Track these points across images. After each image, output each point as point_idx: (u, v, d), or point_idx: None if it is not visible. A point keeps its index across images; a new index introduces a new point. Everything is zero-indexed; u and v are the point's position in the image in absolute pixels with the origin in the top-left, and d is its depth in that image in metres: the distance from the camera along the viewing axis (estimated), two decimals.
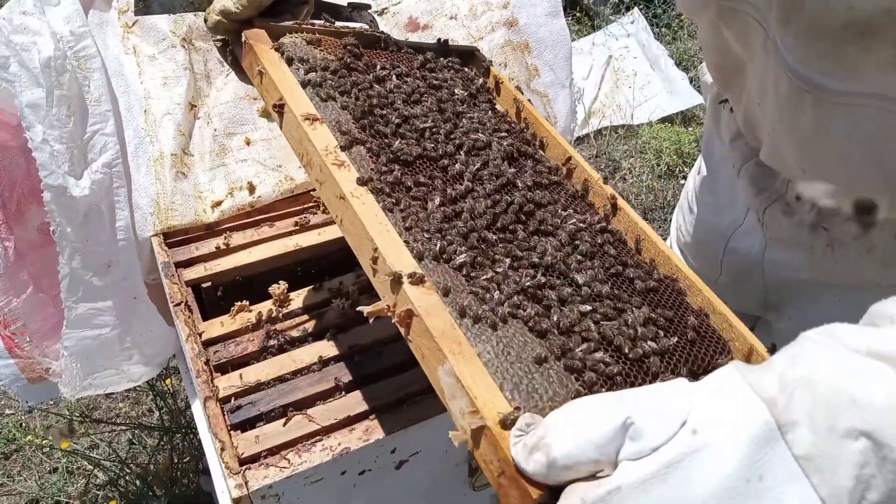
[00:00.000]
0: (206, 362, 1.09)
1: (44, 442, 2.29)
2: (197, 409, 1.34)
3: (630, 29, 4.34)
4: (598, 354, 0.74)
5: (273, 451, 0.97)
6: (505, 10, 1.62)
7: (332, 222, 1.38)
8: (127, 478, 2.14)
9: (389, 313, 0.75)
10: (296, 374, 1.08)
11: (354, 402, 1.04)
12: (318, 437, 0.99)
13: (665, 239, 1.21)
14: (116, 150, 1.25)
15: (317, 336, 1.15)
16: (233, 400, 1.04)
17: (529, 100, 1.18)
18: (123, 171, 1.27)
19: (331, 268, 1.28)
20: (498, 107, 1.15)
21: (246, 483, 0.93)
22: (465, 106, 1.06)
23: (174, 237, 1.32)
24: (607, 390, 0.70)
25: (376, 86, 1.01)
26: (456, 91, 1.09)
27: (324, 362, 1.10)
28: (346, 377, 1.07)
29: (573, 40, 4.11)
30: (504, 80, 1.18)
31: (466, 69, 1.18)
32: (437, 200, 0.87)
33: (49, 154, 1.14)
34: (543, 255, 0.85)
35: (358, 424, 1.01)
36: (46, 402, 2.45)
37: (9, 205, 1.34)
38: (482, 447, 0.62)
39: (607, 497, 0.50)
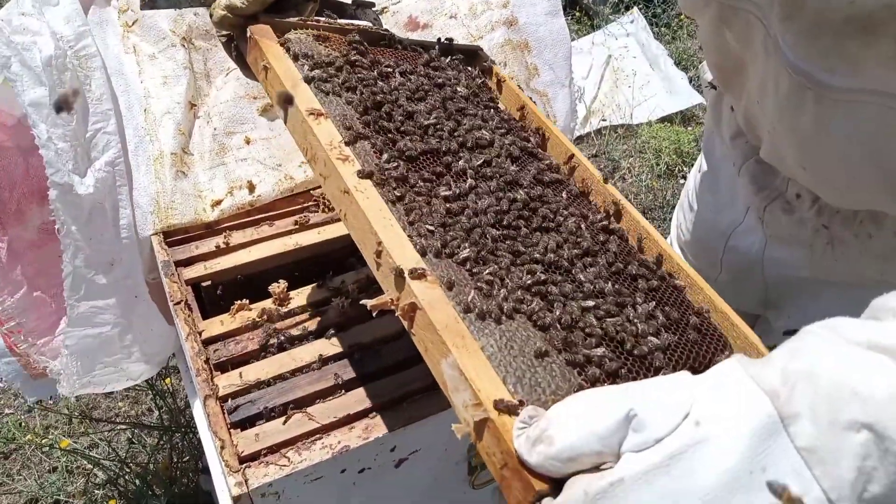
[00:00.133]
0: (206, 361, 1.09)
1: (43, 441, 2.29)
2: (197, 407, 1.34)
3: (629, 28, 4.34)
4: (601, 350, 0.74)
5: (273, 449, 0.97)
6: (505, 9, 1.62)
7: (331, 221, 1.38)
8: (126, 477, 2.14)
9: (393, 307, 0.75)
10: (295, 372, 1.08)
11: (354, 400, 1.04)
12: (317, 436, 0.99)
13: (665, 238, 1.22)
14: (118, 148, 1.25)
15: (317, 334, 1.15)
16: (232, 399, 1.04)
17: (531, 98, 1.19)
18: (125, 170, 1.28)
19: (331, 266, 1.28)
20: (501, 105, 1.15)
21: (246, 481, 0.93)
22: (468, 104, 1.07)
23: (174, 236, 1.32)
24: (610, 385, 0.70)
25: (380, 82, 1.01)
26: (459, 89, 1.09)
27: (323, 361, 1.10)
28: (346, 375, 1.07)
29: (573, 40, 4.11)
30: (507, 79, 1.18)
31: (470, 68, 1.18)
32: (441, 198, 0.88)
33: (55, 152, 1.14)
34: (546, 251, 0.86)
35: (358, 423, 1.01)
36: (47, 400, 2.45)
37: (8, 205, 1.34)
38: (485, 440, 0.62)
39: (610, 488, 0.51)
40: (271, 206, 1.40)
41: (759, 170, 1.15)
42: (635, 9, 4.46)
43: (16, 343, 1.33)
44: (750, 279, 1.27)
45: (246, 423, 1.02)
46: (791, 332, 0.55)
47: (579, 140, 3.76)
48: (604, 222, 0.97)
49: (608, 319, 0.79)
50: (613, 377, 0.73)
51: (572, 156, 1.06)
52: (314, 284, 1.24)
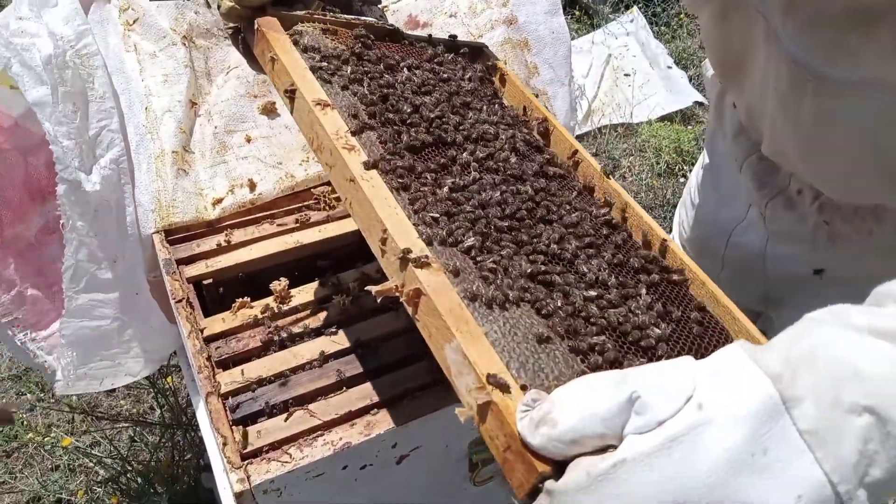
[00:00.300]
0: (208, 358, 1.10)
1: (45, 439, 2.29)
2: (199, 405, 1.35)
3: (629, 27, 4.34)
4: (603, 338, 0.75)
5: (275, 445, 0.98)
6: (504, 7, 1.62)
7: (332, 219, 1.38)
8: (128, 475, 2.15)
9: (398, 293, 0.75)
10: (297, 369, 1.09)
11: (356, 397, 1.04)
12: (319, 432, 1.00)
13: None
14: (122, 146, 1.26)
15: (318, 332, 1.16)
16: (234, 396, 1.04)
17: (536, 95, 1.19)
18: (128, 168, 1.28)
19: (332, 264, 1.29)
20: (505, 101, 1.16)
21: (248, 477, 0.93)
22: (473, 98, 1.08)
23: (175, 234, 1.33)
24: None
25: (387, 75, 1.02)
26: (464, 84, 1.10)
27: (325, 358, 1.10)
28: (348, 372, 1.08)
29: (573, 39, 4.11)
30: (511, 75, 1.19)
31: (475, 65, 1.19)
32: (447, 189, 0.88)
33: (62, 149, 1.15)
34: (550, 242, 0.86)
35: (359, 419, 1.02)
36: (48, 399, 2.45)
37: (10, 206, 1.35)
38: (488, 422, 0.62)
39: (612, 470, 0.51)
40: (272, 205, 1.41)
41: (761, 166, 1.16)
42: (635, 8, 4.46)
43: (13, 334, 1.34)
44: (752, 276, 1.28)
45: (248, 420, 1.02)
46: None
47: (579, 139, 3.74)
48: (607, 217, 0.98)
49: (611, 310, 0.80)
50: (616, 366, 0.73)
51: (576, 151, 1.07)
52: (315, 282, 1.24)
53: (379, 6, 1.23)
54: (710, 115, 1.33)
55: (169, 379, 2.25)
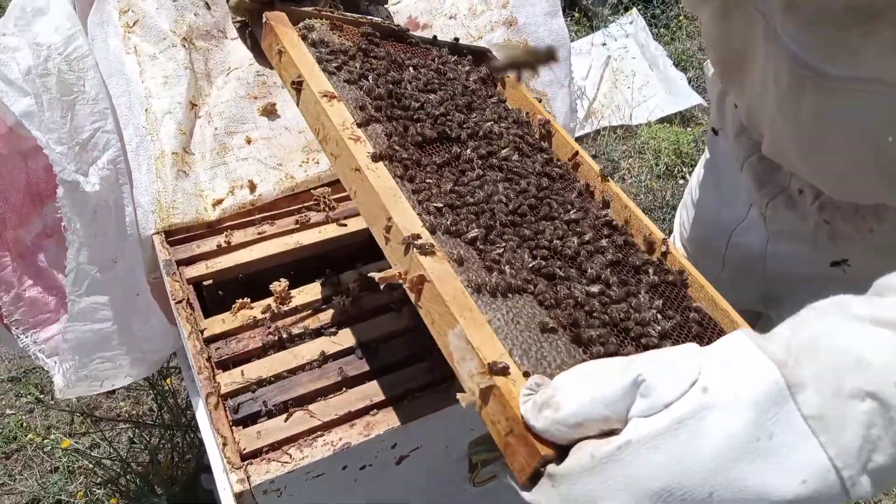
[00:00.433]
0: (208, 359, 1.10)
1: (45, 441, 2.29)
2: (199, 406, 1.35)
3: (629, 29, 4.35)
4: (605, 330, 0.75)
5: (274, 446, 0.98)
6: (504, 9, 1.63)
7: (332, 220, 1.38)
8: (127, 477, 2.14)
9: (401, 280, 0.75)
10: (297, 370, 1.09)
11: (355, 397, 1.04)
12: (319, 433, 1.00)
13: (668, 236, 1.22)
14: (118, 146, 1.26)
15: (318, 332, 1.16)
16: (234, 396, 1.04)
17: (539, 100, 1.20)
18: (126, 168, 1.28)
19: (331, 265, 1.29)
20: (508, 105, 1.16)
21: (248, 478, 0.93)
22: (476, 99, 1.08)
23: (175, 235, 1.33)
24: None
25: (392, 72, 1.03)
26: (468, 85, 1.11)
27: (325, 358, 1.10)
28: (347, 373, 1.08)
29: (572, 41, 4.12)
30: (513, 78, 1.20)
31: (479, 68, 1.20)
32: (450, 183, 0.88)
33: (56, 154, 1.16)
34: (552, 238, 0.87)
35: (359, 420, 1.02)
36: (48, 401, 2.45)
37: (13, 209, 1.35)
38: (490, 407, 0.62)
39: (618, 452, 0.51)
40: (272, 206, 1.41)
41: (762, 166, 1.16)
42: (634, 10, 4.46)
43: (16, 335, 1.34)
44: (752, 276, 1.28)
45: (248, 421, 1.02)
46: None
47: (579, 140, 3.76)
48: (607, 218, 0.98)
49: (613, 306, 0.80)
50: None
51: (576, 153, 1.07)
52: (315, 283, 1.24)
53: (385, 6, 1.24)
54: (712, 114, 1.34)
55: (168, 380, 2.25)
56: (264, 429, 1.00)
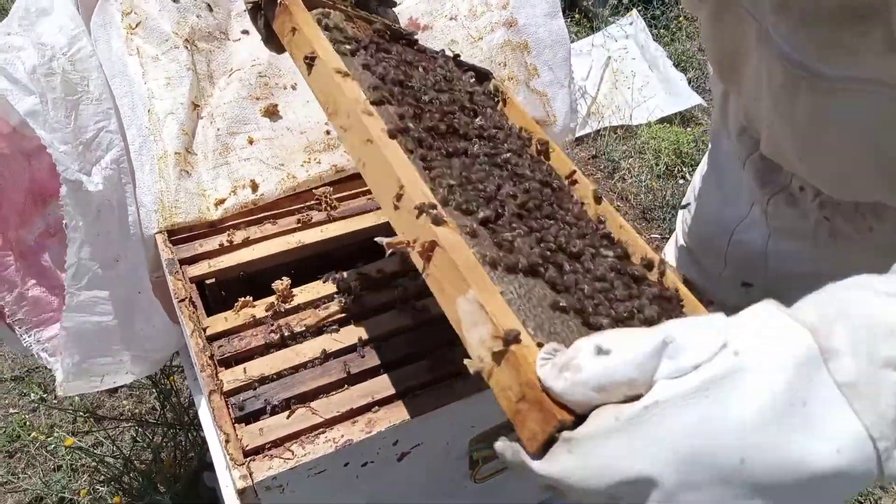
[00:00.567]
0: (211, 357, 1.11)
1: (48, 439, 2.30)
2: (201, 403, 1.36)
3: (629, 30, 4.36)
4: (612, 320, 0.75)
5: (277, 443, 0.99)
6: (504, 10, 1.64)
7: (333, 220, 1.39)
8: (131, 475, 2.15)
9: (410, 248, 0.74)
10: (299, 367, 1.10)
11: (357, 394, 1.05)
12: (321, 430, 1.01)
13: (669, 236, 1.23)
14: (122, 146, 1.27)
15: (319, 330, 1.17)
16: (236, 394, 1.05)
17: (530, 97, 1.21)
18: (129, 168, 1.29)
19: (333, 264, 1.30)
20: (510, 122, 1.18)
21: (250, 474, 0.94)
22: (482, 108, 1.10)
23: (178, 234, 1.34)
24: None
25: (404, 66, 1.04)
26: (474, 96, 1.12)
27: (326, 356, 1.11)
28: (349, 370, 1.09)
29: (572, 41, 4.12)
30: (513, 99, 1.21)
31: (481, 85, 1.22)
32: (460, 170, 0.89)
33: (60, 153, 1.17)
34: (558, 235, 0.87)
35: (360, 417, 1.03)
36: (51, 400, 2.47)
37: (16, 209, 1.36)
38: (502, 372, 0.59)
39: (644, 412, 0.48)
40: (274, 205, 1.42)
41: (763, 164, 1.17)
42: (634, 11, 4.47)
43: (19, 334, 1.35)
44: (754, 274, 1.29)
45: (250, 418, 1.03)
46: None
47: (579, 141, 3.78)
48: (604, 231, 0.99)
49: (618, 303, 0.81)
50: None
51: (574, 171, 1.09)
52: (317, 281, 1.25)
53: (393, 10, 1.25)
54: (715, 113, 1.34)
55: (171, 378, 2.26)
56: (266, 426, 1.01)
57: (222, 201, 1.38)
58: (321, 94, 0.91)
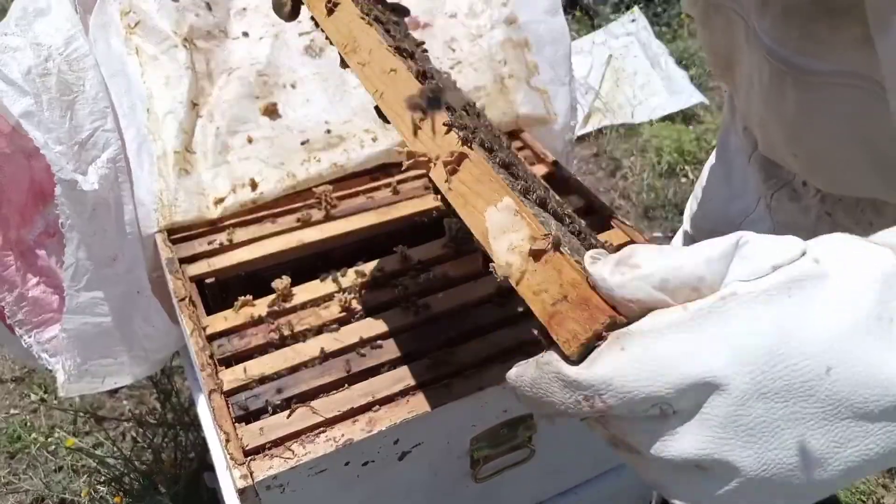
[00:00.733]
0: (211, 356, 1.10)
1: (49, 440, 2.30)
2: (201, 403, 1.36)
3: (630, 28, 4.35)
4: None
5: (277, 442, 0.98)
6: (504, 7, 1.63)
7: (332, 218, 1.39)
8: (131, 475, 2.15)
9: (432, 162, 0.71)
10: (299, 366, 1.09)
11: (357, 394, 1.05)
12: (321, 429, 1.00)
13: (672, 234, 1.23)
14: (118, 145, 1.27)
15: (319, 329, 1.16)
16: (236, 393, 1.05)
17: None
18: (126, 167, 1.29)
19: (333, 263, 1.30)
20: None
21: (251, 473, 0.94)
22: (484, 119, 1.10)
23: (177, 233, 1.34)
24: None
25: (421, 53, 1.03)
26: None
27: (326, 355, 1.11)
28: (350, 369, 1.08)
29: (573, 39, 4.12)
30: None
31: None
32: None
33: (55, 154, 1.16)
34: (551, 201, 0.87)
35: (361, 416, 1.02)
36: (51, 401, 2.46)
37: (16, 209, 1.36)
38: (538, 274, 0.54)
39: (720, 303, 0.43)
40: (274, 204, 1.41)
41: (767, 159, 1.17)
42: (636, 8, 4.47)
43: (20, 335, 1.35)
44: None
45: (250, 417, 1.03)
46: None
47: (580, 140, 3.77)
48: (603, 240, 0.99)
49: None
50: None
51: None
52: (317, 280, 1.25)
53: (404, 19, 1.24)
54: (725, 109, 1.35)
55: (171, 379, 2.26)
56: (267, 425, 1.00)
57: (222, 200, 1.38)
58: (339, 35, 0.89)
